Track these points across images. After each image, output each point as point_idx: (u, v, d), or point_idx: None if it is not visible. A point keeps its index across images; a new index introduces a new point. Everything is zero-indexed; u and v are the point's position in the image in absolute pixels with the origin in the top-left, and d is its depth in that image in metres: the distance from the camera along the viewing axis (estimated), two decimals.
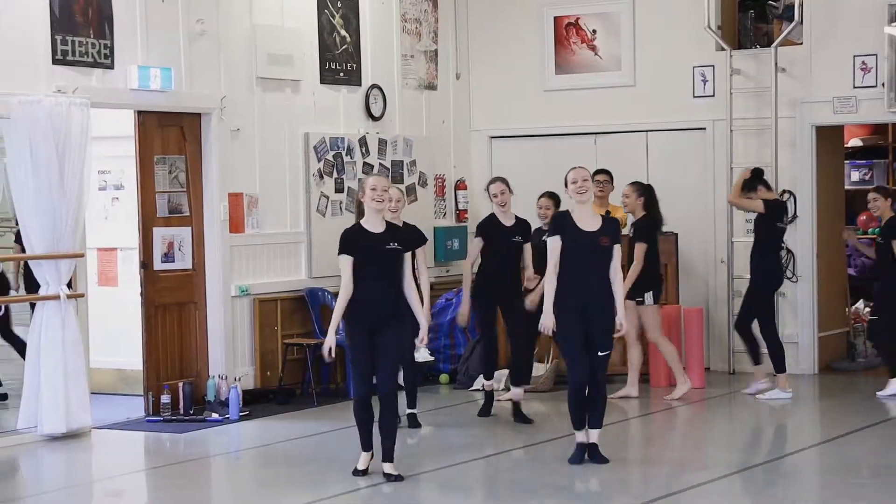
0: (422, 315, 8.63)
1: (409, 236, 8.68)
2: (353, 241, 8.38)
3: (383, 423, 8.43)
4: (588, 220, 8.80)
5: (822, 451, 9.66)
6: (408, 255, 8.71)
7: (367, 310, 8.32)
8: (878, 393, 11.66)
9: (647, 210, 11.66)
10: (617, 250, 8.79)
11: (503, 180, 10.71)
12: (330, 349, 8.33)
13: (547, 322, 8.78)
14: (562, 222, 8.83)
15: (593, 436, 8.94)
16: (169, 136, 11.46)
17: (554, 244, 8.78)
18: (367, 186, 8.42)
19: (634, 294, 11.49)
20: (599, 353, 8.75)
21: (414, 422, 10.51)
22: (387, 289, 8.36)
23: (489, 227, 10.68)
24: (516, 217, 10.70)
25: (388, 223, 8.52)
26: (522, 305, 10.67)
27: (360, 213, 8.60)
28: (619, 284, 8.81)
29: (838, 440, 9.95)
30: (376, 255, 8.33)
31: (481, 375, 11.38)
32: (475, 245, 10.74)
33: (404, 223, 10.22)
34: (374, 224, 8.43)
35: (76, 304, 10.44)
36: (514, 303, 10.64)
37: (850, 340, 13.64)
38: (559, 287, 8.74)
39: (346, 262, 8.35)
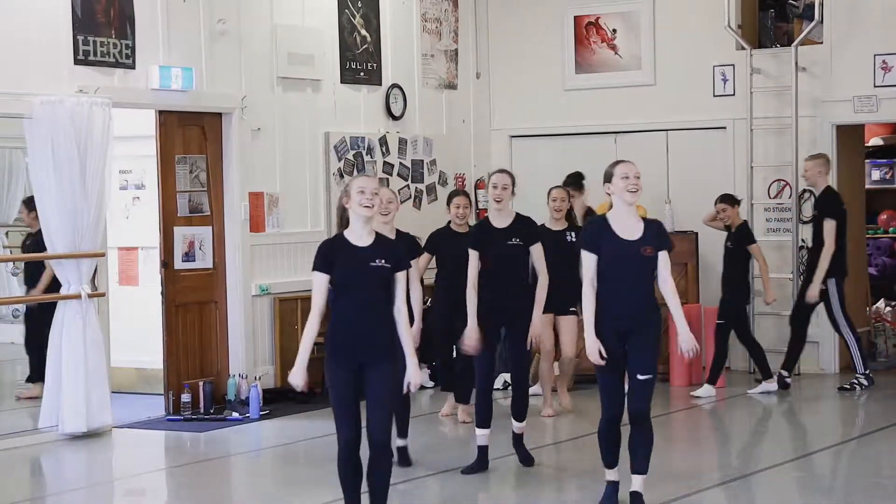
0: (411, 352, 6.87)
1: (400, 252, 6.97)
2: (333, 255, 6.82)
3: (375, 480, 6.86)
4: (630, 226, 7.37)
5: (842, 451, 9.64)
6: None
7: (349, 342, 6.75)
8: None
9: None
10: (663, 259, 7.38)
11: (509, 174, 8.95)
12: (305, 383, 6.88)
13: (592, 350, 7.34)
14: (597, 232, 7.39)
15: (637, 483, 7.48)
16: (190, 135, 11.50)
17: (589, 261, 7.36)
18: (353, 189, 6.85)
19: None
20: (639, 377, 7.32)
21: (404, 458, 8.98)
22: (374, 316, 6.78)
23: (480, 234, 8.84)
24: (516, 215, 8.87)
25: (377, 235, 6.95)
26: (527, 327, 8.75)
27: (343, 221, 6.96)
28: (673, 297, 7.40)
29: (859, 439, 9.93)
30: (360, 274, 6.77)
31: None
32: (473, 261, 8.75)
33: (398, 232, 8.83)
34: (359, 235, 6.86)
35: (97, 304, 10.48)
36: (519, 324, 8.75)
37: (871, 340, 13.60)
38: (598, 304, 7.36)
39: (320, 281, 6.81)
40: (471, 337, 8.58)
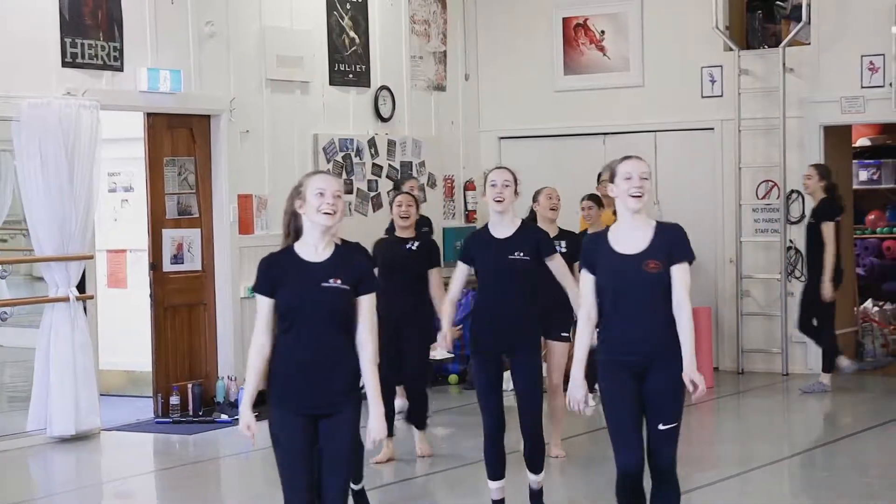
0: (375, 397, 5.45)
1: (362, 269, 5.55)
2: (277, 273, 5.49)
3: None
4: (632, 236, 5.97)
5: (830, 451, 9.66)
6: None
7: (298, 386, 5.43)
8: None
9: (828, 192, 11.75)
10: (678, 275, 5.92)
11: (510, 171, 7.39)
12: (249, 428, 5.61)
13: (576, 395, 6.09)
14: (592, 249, 6.07)
15: None
16: (178, 137, 11.49)
17: (587, 283, 6.08)
18: (309, 190, 5.47)
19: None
20: (661, 427, 5.97)
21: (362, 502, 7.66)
22: (328, 352, 5.42)
23: (474, 245, 7.33)
24: (522, 222, 7.36)
25: (338, 247, 5.57)
26: (536, 359, 7.28)
27: (291, 231, 5.56)
28: (686, 324, 5.91)
29: (847, 439, 9.96)
30: (309, 298, 5.41)
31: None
32: (459, 274, 7.37)
33: (344, 241, 6.31)
34: (314, 248, 5.50)
35: (85, 306, 10.47)
36: (524, 354, 7.22)
37: (859, 340, 13.64)
38: (600, 336, 6.09)
39: (264, 307, 5.51)
40: (444, 339, 7.48)
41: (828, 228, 11.60)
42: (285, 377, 5.46)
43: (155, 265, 11.36)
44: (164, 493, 9.06)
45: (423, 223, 11.32)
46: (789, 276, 13.00)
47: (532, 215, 9.12)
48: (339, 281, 5.42)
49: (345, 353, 5.44)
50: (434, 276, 8.82)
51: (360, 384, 5.50)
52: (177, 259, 11.47)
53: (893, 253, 15.94)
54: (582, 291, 6.15)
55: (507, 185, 7.23)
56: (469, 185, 14.27)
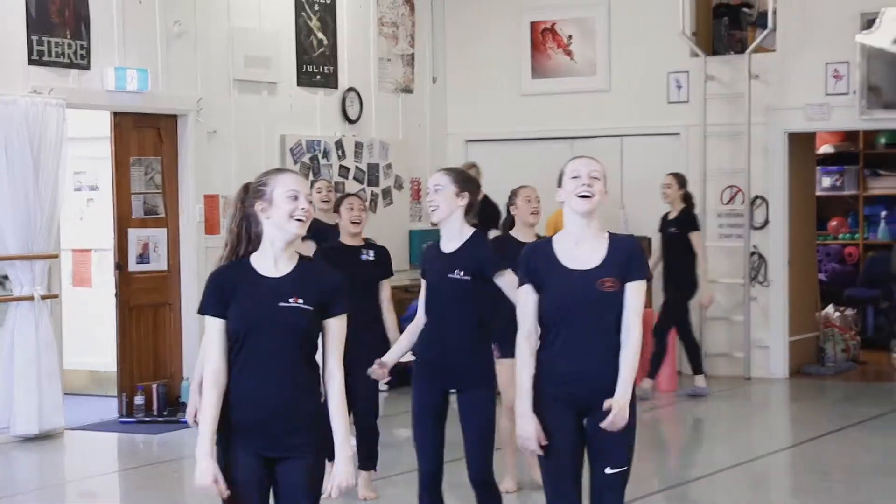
0: (343, 440, 4.66)
1: (332, 286, 4.73)
2: (230, 290, 4.69)
3: None
4: (583, 249, 5.18)
5: (792, 455, 9.74)
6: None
7: (252, 423, 4.62)
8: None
9: (686, 202, 11.81)
10: (632, 294, 5.12)
11: (455, 172, 6.32)
12: (216, 481, 4.61)
13: (527, 429, 5.15)
14: (535, 261, 5.22)
15: None
16: (145, 137, 11.47)
17: (526, 297, 5.21)
18: (277, 192, 4.68)
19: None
20: (608, 471, 5.13)
21: None
22: (288, 384, 4.62)
23: (425, 259, 6.39)
24: (472, 234, 6.21)
25: (301, 259, 4.76)
26: (488, 394, 6.10)
27: (243, 239, 4.75)
28: (631, 350, 5.10)
29: (808, 443, 10.04)
30: (266, 319, 4.63)
31: None
32: (422, 295, 6.35)
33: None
34: (274, 261, 4.70)
35: (50, 305, 10.44)
36: (473, 390, 6.11)
37: (821, 345, 13.75)
38: (538, 363, 5.19)
39: (215, 329, 4.69)
40: (380, 366, 6.28)
41: (697, 237, 11.72)
42: (236, 413, 4.62)
43: (120, 265, 11.33)
44: (128, 493, 9.04)
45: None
46: (752, 280, 13.10)
47: (510, 219, 8.28)
48: (300, 300, 4.60)
49: (305, 385, 4.63)
50: (386, 288, 7.88)
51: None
52: (142, 259, 11.45)
53: (854, 259, 16.08)
54: (521, 311, 5.23)
55: (438, 190, 6.11)
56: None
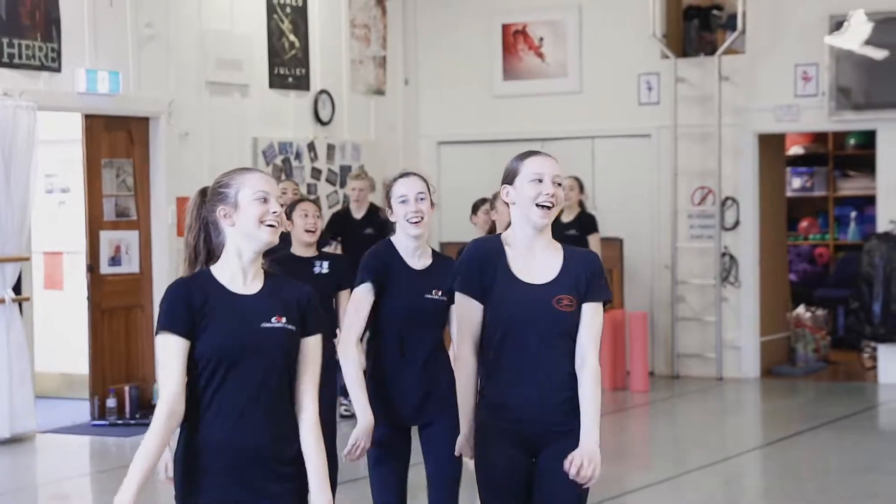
0: (321, 487, 3.97)
1: (301, 301, 4.08)
2: (200, 306, 3.94)
3: None
4: (537, 260, 4.51)
5: (763, 455, 9.79)
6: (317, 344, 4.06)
7: (227, 462, 3.93)
8: None
9: (581, 206, 11.73)
10: (589, 315, 4.47)
11: (419, 178, 5.58)
12: None
13: (464, 446, 4.67)
14: (483, 262, 4.51)
15: None
16: (116, 139, 11.45)
17: (470, 313, 4.51)
18: (244, 195, 4.00)
19: None
20: None
21: None
22: (271, 418, 3.95)
23: (380, 264, 5.52)
24: (434, 254, 5.60)
25: (266, 272, 4.10)
26: (453, 426, 4.93)
27: (195, 254, 4.06)
28: (590, 382, 4.41)
29: (780, 443, 10.10)
30: (247, 342, 3.93)
31: None
32: (359, 311, 5.51)
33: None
34: (242, 275, 4.01)
35: (21, 308, 10.40)
36: (442, 424, 5.35)
37: (791, 345, 13.82)
38: (482, 389, 4.54)
39: (178, 351, 3.89)
40: (363, 433, 5.30)
41: (596, 239, 11.68)
42: (203, 455, 3.92)
43: (92, 267, 11.31)
44: (100, 496, 9.02)
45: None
46: (724, 281, 13.16)
47: (493, 226, 7.90)
48: (282, 319, 3.95)
49: (288, 422, 3.97)
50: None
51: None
52: (114, 261, 11.43)
53: (825, 259, 16.18)
54: (460, 323, 4.54)
55: (423, 199, 5.46)
56: None
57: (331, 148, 13.36)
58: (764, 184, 13.31)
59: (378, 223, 11.09)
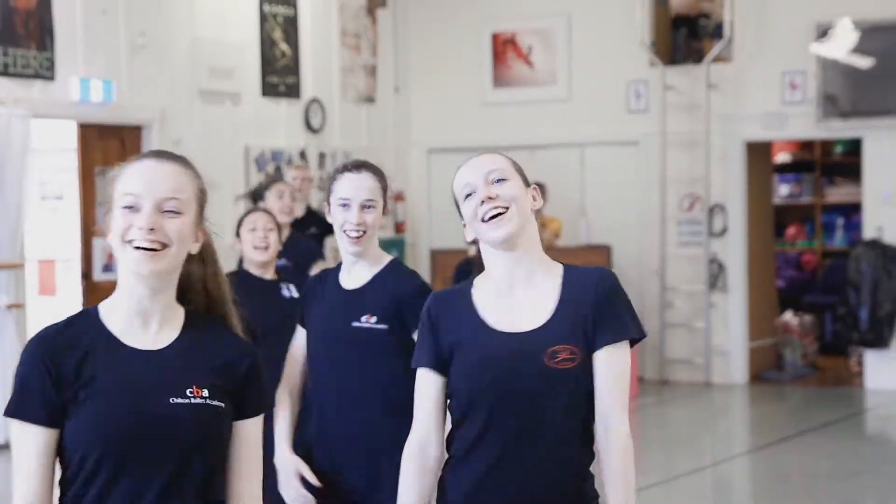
0: None
1: (237, 365, 2.77)
2: (71, 378, 2.70)
3: None
4: (521, 296, 3.18)
5: (751, 460, 9.86)
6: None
7: None
8: None
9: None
10: (610, 362, 3.09)
11: (375, 171, 4.54)
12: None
13: None
14: (442, 320, 3.22)
15: None
16: (110, 147, 11.50)
17: (428, 388, 3.22)
18: (116, 195, 2.81)
19: None
20: None
21: None
22: None
23: (313, 291, 4.45)
24: (389, 263, 4.36)
25: (189, 316, 2.81)
26: None
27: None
28: (619, 464, 3.08)
29: (768, 448, 10.17)
30: (149, 427, 2.66)
31: None
32: (295, 345, 4.43)
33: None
34: (143, 321, 2.79)
35: (15, 315, 10.45)
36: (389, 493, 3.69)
37: (779, 351, 13.91)
38: (444, 486, 3.21)
39: (34, 450, 2.71)
40: (287, 474, 4.23)
41: None
42: None
43: (86, 274, 11.36)
44: None
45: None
46: (712, 287, 13.25)
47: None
48: (202, 391, 2.68)
49: None
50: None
51: None
52: (108, 268, 11.48)
53: (812, 266, 16.28)
54: (420, 397, 3.22)
55: (372, 207, 4.33)
56: (398, 197, 14.39)
57: (322, 156, 13.43)
58: (751, 191, 13.40)
59: (320, 220, 9.47)
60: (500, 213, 3.17)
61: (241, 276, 5.69)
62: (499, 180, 3.22)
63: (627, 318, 3.14)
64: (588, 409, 3.13)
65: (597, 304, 3.13)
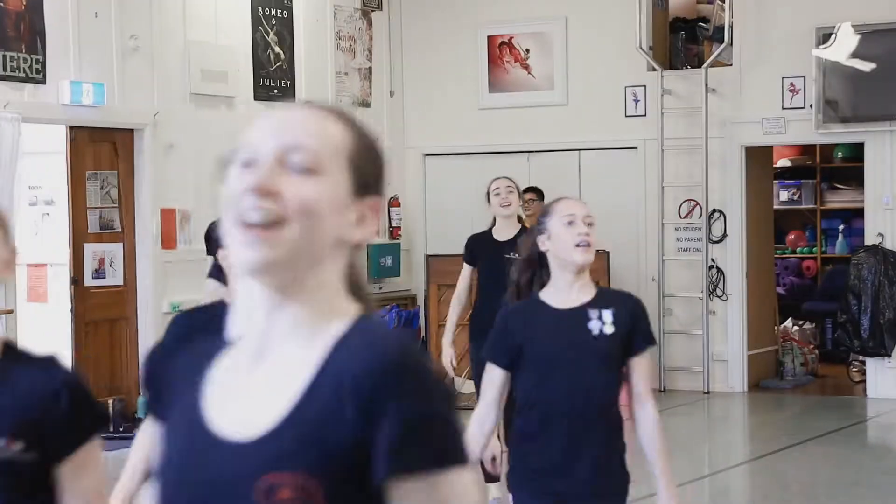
0: None
1: (48, 406, 2.51)
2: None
3: None
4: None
5: (751, 469, 9.77)
6: None
7: None
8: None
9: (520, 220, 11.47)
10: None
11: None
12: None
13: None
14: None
15: None
16: (101, 151, 11.40)
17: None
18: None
19: None
20: None
21: None
22: None
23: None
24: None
25: (7, 352, 2.54)
26: None
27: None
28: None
29: (768, 457, 10.07)
30: None
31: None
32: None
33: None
34: None
35: (5, 321, 10.33)
36: None
37: (779, 359, 13.81)
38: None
39: None
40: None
41: None
42: None
43: (76, 279, 11.25)
44: None
45: None
46: (711, 294, 13.14)
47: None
48: (14, 443, 2.40)
49: None
50: None
51: None
52: (98, 273, 11.37)
53: (812, 272, 16.17)
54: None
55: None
56: (393, 202, 14.28)
57: None
58: (751, 196, 13.30)
59: None
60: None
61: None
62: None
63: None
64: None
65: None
